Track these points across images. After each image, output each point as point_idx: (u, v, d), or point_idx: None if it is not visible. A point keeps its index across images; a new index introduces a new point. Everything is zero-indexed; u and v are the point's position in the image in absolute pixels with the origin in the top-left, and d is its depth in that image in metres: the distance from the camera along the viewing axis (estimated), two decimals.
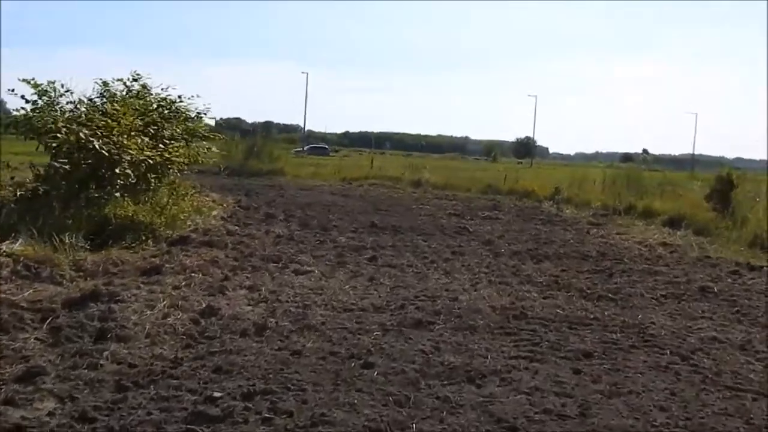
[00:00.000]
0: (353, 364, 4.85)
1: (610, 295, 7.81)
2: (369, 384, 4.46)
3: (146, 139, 10.68)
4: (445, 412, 4.08)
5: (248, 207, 14.64)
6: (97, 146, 9.35)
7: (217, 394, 4.08)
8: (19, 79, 10.75)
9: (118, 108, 10.50)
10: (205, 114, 14.46)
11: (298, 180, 25.75)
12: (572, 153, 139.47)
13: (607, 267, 9.64)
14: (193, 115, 13.95)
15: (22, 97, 10.50)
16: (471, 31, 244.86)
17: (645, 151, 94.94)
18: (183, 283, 6.99)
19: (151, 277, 7.17)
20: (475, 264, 9.33)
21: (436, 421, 3.97)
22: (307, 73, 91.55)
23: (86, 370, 4.45)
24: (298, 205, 15.69)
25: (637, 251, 11.27)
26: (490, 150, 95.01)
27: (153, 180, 10.98)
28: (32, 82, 10.86)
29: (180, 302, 6.22)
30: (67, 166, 9.44)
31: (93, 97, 12.48)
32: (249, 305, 6.47)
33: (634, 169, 24.77)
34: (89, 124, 9.86)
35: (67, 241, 7.72)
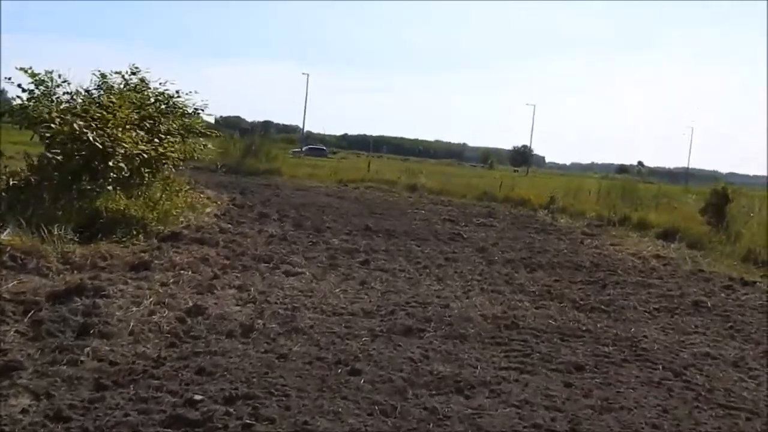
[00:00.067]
0: (340, 371, 4.75)
1: (602, 306, 7.73)
2: (355, 392, 4.36)
3: (141, 133, 10.58)
4: (431, 424, 3.99)
5: (242, 205, 14.53)
6: (91, 138, 9.23)
7: (197, 397, 3.97)
8: (16, 68, 10.66)
9: (114, 100, 10.40)
10: (202, 110, 14.39)
11: (294, 180, 25.64)
12: (568, 163, 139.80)
13: (601, 278, 9.57)
14: (190, 111, 13.87)
15: (19, 85, 10.42)
16: (471, 31, 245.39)
17: (640, 163, 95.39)
18: (171, 280, 6.88)
19: (140, 272, 7.05)
20: (468, 271, 9.24)
21: None
22: (308, 75, 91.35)
23: (65, 367, 4.34)
24: (293, 206, 15.58)
25: (630, 263, 11.20)
26: (487, 157, 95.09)
27: (147, 174, 10.87)
28: (29, 71, 10.76)
29: (167, 300, 6.11)
30: (59, 157, 9.32)
31: (90, 88, 12.41)
32: (237, 305, 6.36)
33: (629, 180, 24.79)
34: (84, 115, 9.74)
35: (55, 232, 7.60)
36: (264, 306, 6.37)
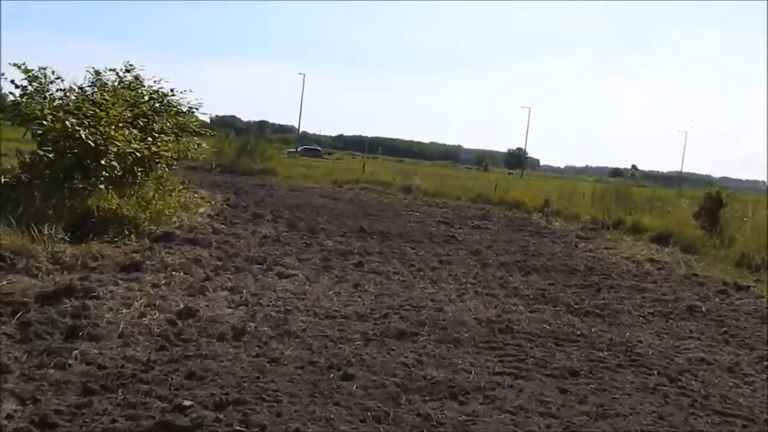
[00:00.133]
0: (332, 375, 4.69)
1: (597, 311, 7.69)
2: (347, 398, 4.30)
3: (135, 131, 10.49)
4: (425, 431, 3.93)
5: (236, 206, 14.47)
6: (83, 136, 9.14)
7: (187, 403, 3.90)
8: (9, 64, 10.58)
9: (107, 98, 10.31)
10: (197, 109, 14.30)
11: (289, 180, 25.58)
12: (562, 166, 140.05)
13: (595, 282, 9.53)
14: (184, 110, 13.78)
15: (12, 81, 10.33)
16: (471, 31, 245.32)
17: (634, 167, 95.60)
18: (163, 282, 6.81)
19: (131, 273, 6.98)
20: (462, 274, 9.19)
21: None
22: (304, 75, 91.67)
23: (53, 370, 4.27)
24: (287, 206, 15.51)
25: (624, 267, 11.18)
26: (482, 159, 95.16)
27: (140, 173, 10.77)
28: (23, 67, 10.67)
29: (158, 301, 6.04)
30: (51, 155, 9.24)
31: (84, 85, 12.33)
32: (229, 308, 6.28)
33: (623, 184, 24.82)
34: (77, 112, 9.66)
35: (46, 232, 7.51)
36: (256, 308, 6.30)
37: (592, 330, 6.78)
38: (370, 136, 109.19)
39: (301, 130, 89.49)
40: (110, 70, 12.76)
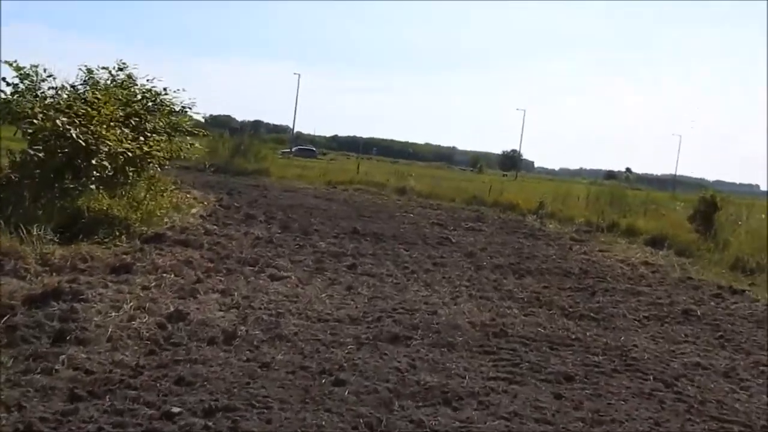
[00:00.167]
0: (324, 381, 4.61)
1: (592, 314, 7.65)
2: (339, 404, 4.22)
3: (126, 130, 10.39)
4: None
5: (229, 206, 14.35)
6: (74, 135, 9.04)
7: (175, 410, 3.82)
8: (2, 61, 10.47)
9: (99, 96, 10.21)
10: (190, 108, 14.21)
11: (283, 181, 25.48)
12: (557, 168, 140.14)
13: (590, 285, 9.48)
14: (177, 109, 13.69)
15: (3, 79, 10.23)
16: (471, 31, 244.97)
17: (628, 169, 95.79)
18: (153, 284, 6.72)
19: (120, 275, 6.88)
20: (456, 276, 9.13)
21: None
22: (299, 75, 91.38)
23: (39, 376, 4.18)
24: (280, 207, 15.43)
25: (619, 270, 11.14)
26: (477, 161, 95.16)
27: (131, 173, 10.65)
28: (14, 64, 10.57)
29: (147, 304, 5.95)
30: (41, 154, 9.13)
31: (76, 84, 12.23)
32: (220, 311, 6.20)
33: (617, 186, 24.79)
34: (68, 111, 9.55)
35: (35, 233, 7.42)
36: (248, 311, 6.21)
37: (587, 334, 6.73)
38: (365, 136, 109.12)
39: (295, 131, 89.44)
40: (103, 68, 12.67)
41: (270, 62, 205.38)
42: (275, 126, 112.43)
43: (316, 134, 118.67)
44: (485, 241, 13.30)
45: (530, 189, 29.69)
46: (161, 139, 11.70)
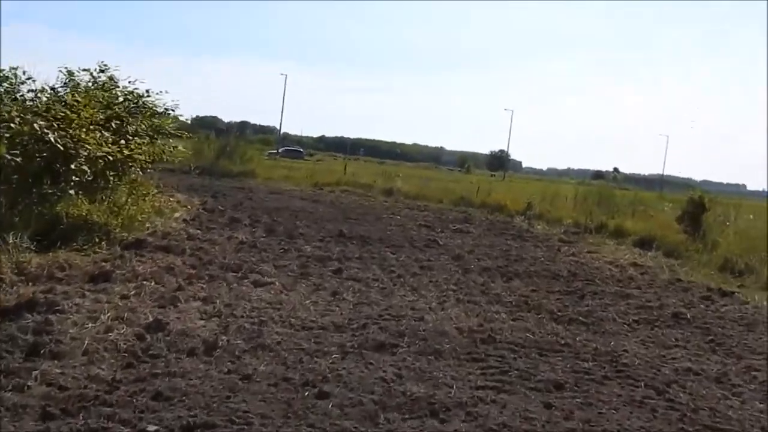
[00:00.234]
0: (307, 393, 4.46)
1: (581, 318, 7.54)
2: (322, 418, 4.07)
3: (107, 134, 10.17)
4: None
5: (213, 210, 14.15)
6: (52, 139, 8.82)
7: (151, 428, 3.66)
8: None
9: (79, 99, 10.00)
10: (173, 110, 14.00)
11: (269, 183, 25.29)
12: (545, 168, 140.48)
13: (578, 288, 9.39)
14: (160, 111, 13.49)
15: None
16: (471, 31, 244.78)
17: (615, 169, 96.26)
18: (132, 292, 6.54)
19: (99, 284, 6.71)
20: (444, 280, 9.00)
21: None
22: (286, 76, 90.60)
23: (10, 393, 4.01)
24: (266, 210, 15.25)
25: (608, 272, 11.06)
26: (464, 161, 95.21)
27: (112, 178, 10.44)
28: None
29: (126, 314, 5.77)
30: (18, 159, 8.90)
31: (56, 86, 12.02)
32: (201, 319, 6.04)
33: (605, 187, 24.78)
34: (46, 114, 9.33)
35: (11, 240, 7.22)
36: (229, 320, 6.05)
37: (577, 339, 6.63)
38: (353, 137, 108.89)
39: (282, 131, 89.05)
40: (84, 70, 12.49)
41: (269, 62, 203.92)
42: (262, 127, 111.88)
43: (303, 135, 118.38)
44: (473, 243, 13.19)
45: (518, 189, 29.66)
46: (143, 142, 11.49)
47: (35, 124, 8.81)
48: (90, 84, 12.30)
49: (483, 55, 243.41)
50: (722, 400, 5.24)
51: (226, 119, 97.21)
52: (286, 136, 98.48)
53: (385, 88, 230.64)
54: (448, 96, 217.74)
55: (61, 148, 8.83)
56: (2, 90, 10.60)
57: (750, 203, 25.89)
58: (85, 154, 9.18)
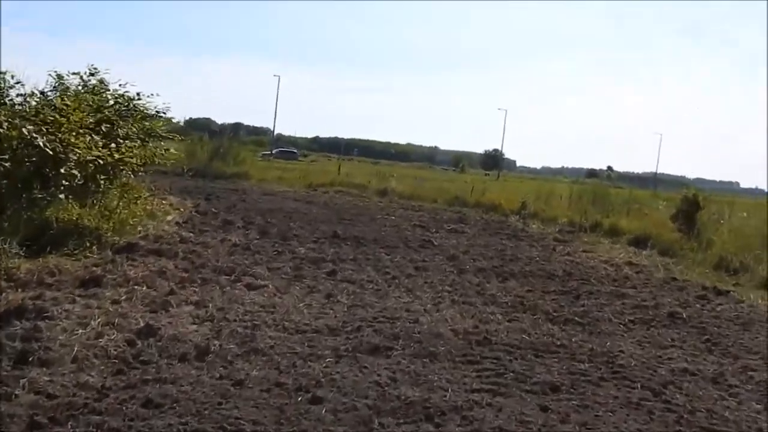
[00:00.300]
0: (300, 399, 4.40)
1: (577, 318, 7.50)
2: (315, 423, 4.02)
3: (97, 137, 10.09)
4: None
5: (206, 212, 14.05)
6: (41, 143, 8.73)
7: None
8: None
9: (69, 103, 9.91)
10: (164, 112, 13.91)
11: (263, 184, 25.17)
12: (539, 167, 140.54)
13: (574, 288, 9.35)
14: (152, 113, 13.41)
15: None
16: (471, 31, 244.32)
17: (609, 167, 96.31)
18: (124, 297, 6.46)
19: (89, 289, 6.62)
20: (439, 281, 8.95)
21: None
22: (279, 77, 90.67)
23: None
24: (259, 211, 15.16)
25: (603, 271, 11.03)
26: (459, 161, 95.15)
27: (103, 181, 10.34)
28: None
29: (117, 320, 5.70)
30: (7, 164, 8.81)
31: (46, 90, 11.93)
32: (193, 324, 5.97)
33: (600, 185, 24.76)
34: (34, 119, 9.24)
35: (0, 246, 7.12)
36: (222, 324, 5.98)
37: (573, 340, 6.58)
38: (346, 137, 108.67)
39: (276, 132, 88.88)
40: (74, 73, 12.40)
41: (268, 62, 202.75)
42: (256, 128, 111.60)
43: (298, 136, 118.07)
44: (467, 243, 13.14)
45: (512, 188, 29.64)
46: (134, 145, 11.40)
47: (24, 129, 8.71)
48: (80, 87, 12.22)
49: (483, 55, 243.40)
50: (719, 401, 5.21)
51: (219, 121, 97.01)
52: (280, 137, 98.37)
53: (385, 88, 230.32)
54: (447, 96, 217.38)
55: (51, 153, 8.74)
56: None
57: (744, 201, 25.93)
58: (75, 158, 9.09)
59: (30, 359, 4.61)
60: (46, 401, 4.03)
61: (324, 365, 5.14)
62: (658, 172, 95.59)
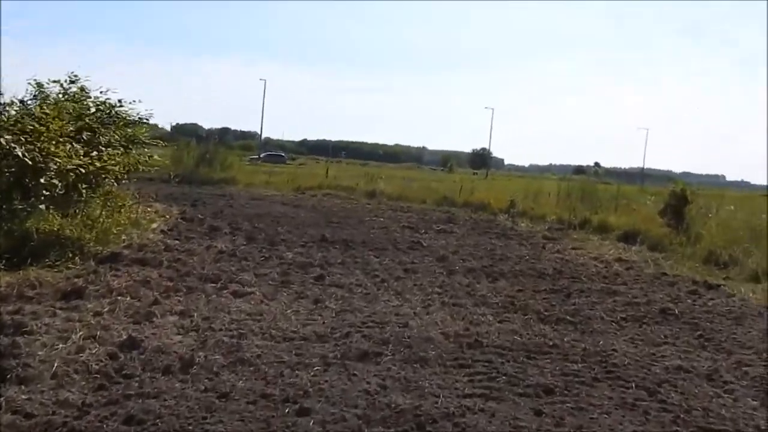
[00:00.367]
0: (287, 410, 4.27)
1: (568, 317, 7.42)
2: None
3: (78, 146, 9.91)
4: None
5: (192, 219, 13.85)
6: (20, 153, 8.55)
7: None
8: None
9: (48, 111, 9.74)
10: (147, 119, 13.74)
11: (250, 189, 24.97)
12: (527, 165, 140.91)
13: (565, 286, 9.27)
14: (134, 120, 13.24)
15: None
16: (471, 31, 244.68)
17: (596, 164, 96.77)
18: (106, 309, 6.31)
19: (71, 301, 6.47)
20: (428, 283, 8.85)
21: None
22: (265, 81, 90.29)
23: None
24: (246, 217, 15.00)
25: (594, 268, 10.97)
26: (447, 160, 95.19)
27: (85, 190, 10.16)
28: None
29: (99, 332, 5.55)
30: None
31: (26, 98, 11.75)
32: (178, 334, 5.83)
33: (588, 182, 24.75)
34: (13, 128, 9.05)
35: None
36: (207, 334, 5.84)
37: (565, 339, 6.50)
38: (333, 140, 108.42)
39: (264, 136, 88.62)
40: (54, 81, 12.22)
41: (270, 62, 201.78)
42: (244, 132, 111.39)
43: (285, 139, 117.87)
44: (457, 243, 13.05)
45: (501, 187, 29.57)
46: (116, 153, 11.21)
47: (2, 139, 8.53)
48: (60, 95, 12.04)
49: (483, 55, 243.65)
50: (715, 398, 5.14)
51: (207, 126, 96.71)
52: (268, 140, 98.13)
53: (385, 88, 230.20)
54: (447, 96, 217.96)
55: (30, 163, 8.56)
56: None
57: (731, 194, 26.03)
58: (55, 167, 8.91)
59: (8, 377, 4.47)
60: (24, 421, 3.90)
61: (312, 374, 5.02)
62: (645, 167, 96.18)
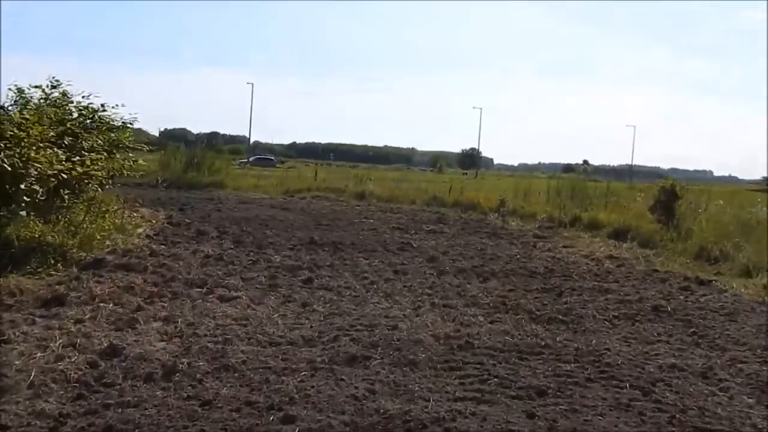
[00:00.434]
0: (272, 418, 4.14)
1: (560, 316, 7.32)
2: None
3: (59, 151, 9.73)
4: None
5: (179, 223, 13.68)
6: None
7: None
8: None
9: (28, 117, 9.55)
10: (131, 123, 13.54)
11: (238, 192, 24.77)
12: (516, 164, 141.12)
13: (556, 285, 9.17)
14: (118, 125, 13.05)
15: None
16: (471, 31, 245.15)
17: (585, 162, 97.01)
18: (88, 316, 6.15)
19: (51, 309, 6.31)
20: (418, 284, 8.72)
21: None
22: (252, 84, 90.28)
23: None
24: (234, 220, 14.83)
25: (585, 266, 10.88)
26: (436, 161, 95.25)
27: (67, 196, 9.98)
28: None
29: (79, 340, 5.40)
30: None
31: (7, 104, 11.57)
32: (161, 341, 5.68)
33: (578, 180, 24.68)
34: None
35: None
36: (191, 340, 5.70)
37: (557, 339, 6.40)
38: (323, 142, 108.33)
39: (253, 140, 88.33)
40: (35, 86, 12.03)
41: (270, 62, 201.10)
42: (233, 136, 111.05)
43: (274, 142, 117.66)
44: (447, 243, 12.94)
45: (490, 186, 29.51)
46: (99, 158, 11.02)
47: None
48: (42, 101, 11.86)
49: (483, 55, 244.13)
50: (710, 396, 5.04)
51: (195, 131, 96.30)
52: (257, 144, 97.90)
53: (385, 88, 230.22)
54: (448, 96, 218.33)
55: (9, 169, 8.37)
56: None
57: (719, 189, 26.07)
58: (36, 173, 8.72)
59: None
60: None
61: (298, 380, 4.88)
62: (633, 164, 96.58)
